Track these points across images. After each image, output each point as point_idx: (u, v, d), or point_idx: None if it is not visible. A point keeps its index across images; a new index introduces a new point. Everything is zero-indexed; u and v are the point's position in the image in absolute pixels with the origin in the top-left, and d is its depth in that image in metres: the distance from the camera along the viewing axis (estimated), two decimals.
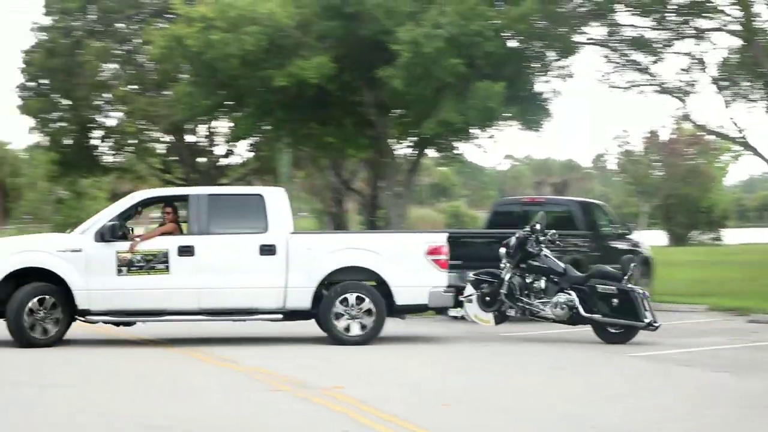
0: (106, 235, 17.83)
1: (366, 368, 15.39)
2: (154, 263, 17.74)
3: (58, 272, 17.53)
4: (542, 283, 19.31)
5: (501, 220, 26.37)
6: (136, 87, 48.64)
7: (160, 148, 52.37)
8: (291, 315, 18.45)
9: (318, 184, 58.68)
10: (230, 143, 50.86)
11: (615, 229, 27.40)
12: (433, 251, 18.75)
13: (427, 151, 37.82)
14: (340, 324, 18.28)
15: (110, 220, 17.97)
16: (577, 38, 33.27)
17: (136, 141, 49.27)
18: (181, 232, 18.40)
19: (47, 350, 17.11)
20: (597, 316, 18.73)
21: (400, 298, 18.51)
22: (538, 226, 19.70)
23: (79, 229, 18.38)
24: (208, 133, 51.19)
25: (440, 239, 19.04)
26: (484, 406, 11.95)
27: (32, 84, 51.69)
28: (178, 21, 34.47)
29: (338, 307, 18.27)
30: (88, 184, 70.02)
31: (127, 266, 17.75)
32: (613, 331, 18.78)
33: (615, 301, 18.59)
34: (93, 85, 48.82)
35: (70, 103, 50.86)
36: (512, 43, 32.43)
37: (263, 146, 45.95)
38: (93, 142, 52.24)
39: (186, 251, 17.91)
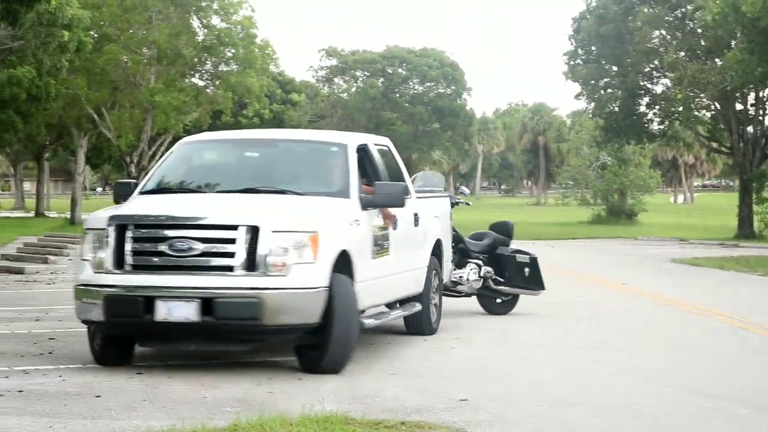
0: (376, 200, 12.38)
1: None
2: (383, 241, 12.64)
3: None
4: None
5: None
6: (685, 53, 48.16)
7: (707, 116, 51.56)
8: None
9: None
10: None
11: None
12: None
13: None
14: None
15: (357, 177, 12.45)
16: None
17: (682, 108, 48.80)
18: None
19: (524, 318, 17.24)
20: (505, 288, 16.90)
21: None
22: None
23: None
24: (755, 101, 49.74)
25: None
26: None
27: (581, 51, 52.58)
28: None
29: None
30: (632, 150, 70.39)
31: (378, 245, 12.49)
32: (499, 300, 17.05)
33: (527, 270, 16.98)
34: (642, 52, 48.88)
35: (618, 69, 51.26)
36: None
37: None
38: (639, 108, 52.40)
39: (395, 224, 13.07)
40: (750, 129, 50.01)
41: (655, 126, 53.13)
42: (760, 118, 50.09)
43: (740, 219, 49.66)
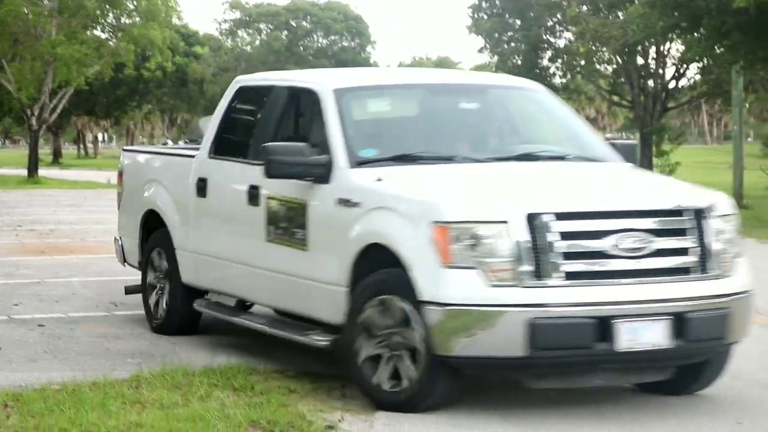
0: None
1: None
2: None
3: None
4: None
5: None
6: (587, 7, 48.53)
7: (609, 70, 52.11)
8: None
9: None
10: (680, 66, 49.85)
11: None
12: None
13: None
14: None
15: None
16: None
17: (584, 62, 49.26)
18: None
19: None
20: None
21: None
22: None
23: None
24: (656, 56, 50.35)
25: None
26: None
27: (485, 4, 52.73)
28: None
29: None
30: None
31: None
32: None
33: None
34: (545, 6, 49.16)
35: (521, 23, 51.54)
36: None
37: (715, 69, 44.61)
38: (542, 62, 52.76)
39: None
40: (651, 83, 50.66)
41: (557, 80, 53.50)
42: (661, 72, 50.77)
43: None
